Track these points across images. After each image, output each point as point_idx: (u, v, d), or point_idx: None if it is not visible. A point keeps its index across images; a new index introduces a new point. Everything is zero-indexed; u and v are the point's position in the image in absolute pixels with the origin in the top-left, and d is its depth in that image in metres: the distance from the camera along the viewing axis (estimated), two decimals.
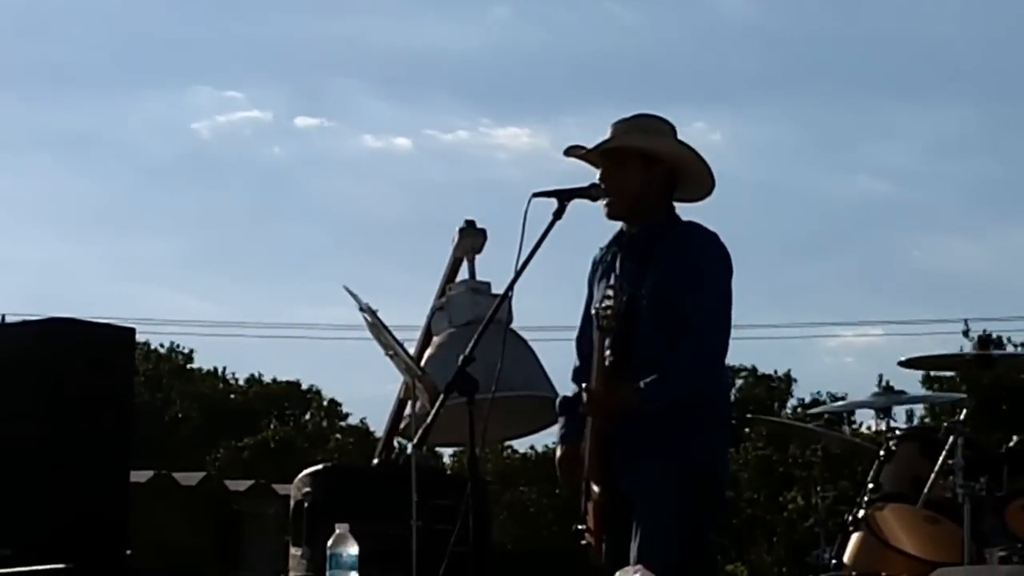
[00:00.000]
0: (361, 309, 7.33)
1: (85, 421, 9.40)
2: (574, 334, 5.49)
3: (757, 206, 52.34)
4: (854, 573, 6.69)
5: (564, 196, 5.08)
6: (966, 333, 32.25)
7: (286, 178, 60.56)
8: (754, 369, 40.79)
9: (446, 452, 33.00)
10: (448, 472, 25.58)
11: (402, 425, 8.90)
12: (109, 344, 9.89)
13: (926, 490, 6.38)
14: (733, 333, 5.22)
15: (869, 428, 25.86)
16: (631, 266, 5.25)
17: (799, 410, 36.46)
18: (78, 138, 61.05)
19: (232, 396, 47.73)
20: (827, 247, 56.43)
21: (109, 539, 9.50)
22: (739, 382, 39.67)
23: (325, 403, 48.12)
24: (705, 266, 5.16)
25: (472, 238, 8.86)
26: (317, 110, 71.73)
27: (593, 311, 5.25)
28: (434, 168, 60.45)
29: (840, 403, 8.20)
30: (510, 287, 5.12)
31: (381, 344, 7.45)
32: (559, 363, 5.88)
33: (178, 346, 47.79)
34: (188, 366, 47.94)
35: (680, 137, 5.39)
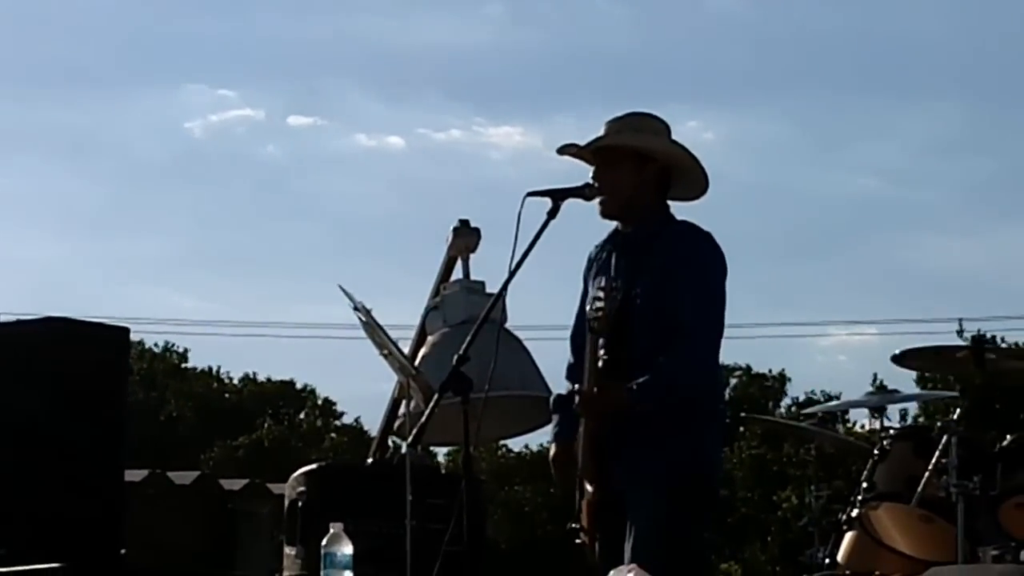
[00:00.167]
0: (355, 308, 7.33)
1: (79, 420, 9.38)
2: (568, 333, 5.49)
3: (751, 205, 52.41)
4: (848, 572, 6.71)
5: (558, 195, 5.08)
6: (960, 333, 32.27)
7: (280, 177, 60.62)
8: (748, 368, 40.81)
9: (441, 451, 33.05)
10: (442, 471, 25.57)
11: (396, 424, 8.90)
12: (103, 343, 9.87)
13: (920, 489, 6.38)
14: (727, 332, 5.23)
15: (863, 427, 25.91)
16: (625, 265, 5.25)
17: (793, 409, 36.48)
18: (71, 137, 61.11)
19: (226, 395, 47.71)
20: (821, 246, 56.53)
21: (103, 538, 9.48)
22: (733, 381, 39.69)
23: (319, 402, 48.12)
24: (698, 266, 5.16)
25: (466, 237, 8.86)
26: (310, 109, 71.82)
27: (586, 313, 5.26)
28: (427, 167, 60.50)
29: (834, 403, 8.19)
30: (504, 286, 5.12)
31: (375, 343, 7.45)
32: (553, 362, 5.90)
33: (172, 345, 47.89)
34: (183, 365, 47.95)
35: (673, 136, 5.40)
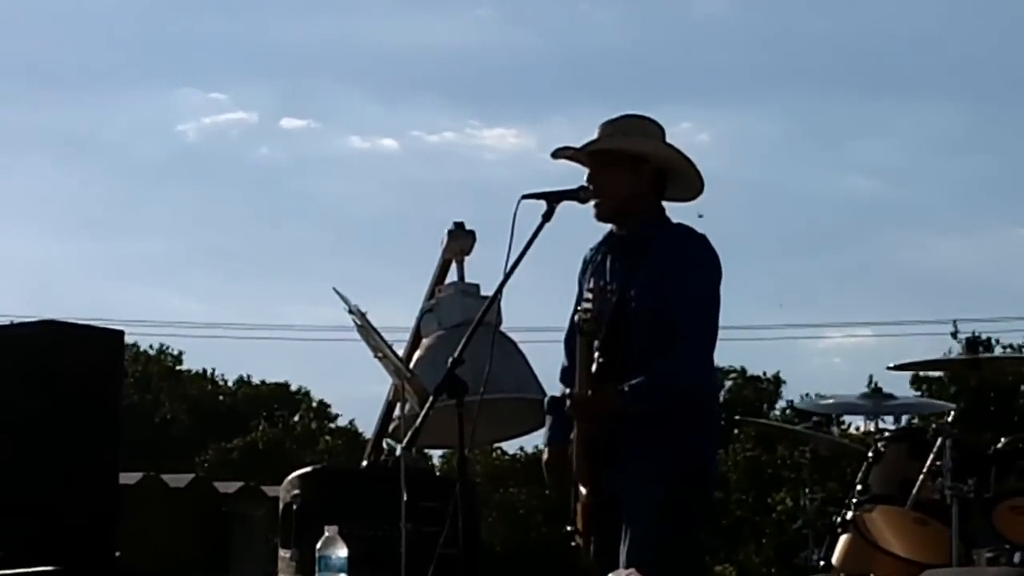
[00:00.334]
0: (350, 311, 7.33)
1: (74, 423, 9.39)
2: (563, 335, 5.50)
3: (745, 206, 52.35)
4: (842, 574, 6.70)
5: (553, 198, 5.08)
6: (955, 334, 32.27)
7: (274, 179, 60.58)
8: (743, 370, 40.79)
9: (435, 454, 33.04)
10: (437, 474, 25.56)
11: (391, 427, 8.90)
12: (98, 346, 9.89)
13: (914, 492, 6.39)
14: (722, 334, 5.24)
15: (858, 429, 25.88)
16: (620, 267, 5.26)
17: (788, 412, 36.49)
18: (64, 139, 61.08)
19: (221, 398, 47.67)
20: (815, 247, 56.50)
21: (98, 541, 9.49)
22: (728, 383, 39.68)
23: (314, 404, 48.07)
24: (693, 269, 5.17)
25: (461, 240, 8.86)
26: (303, 111, 71.58)
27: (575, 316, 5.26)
28: (421, 169, 60.44)
29: (828, 401, 8.18)
30: (499, 289, 5.13)
31: (370, 346, 7.45)
32: (548, 364, 5.89)
33: (167, 348, 47.81)
34: (177, 368, 47.91)
35: (668, 137, 5.40)
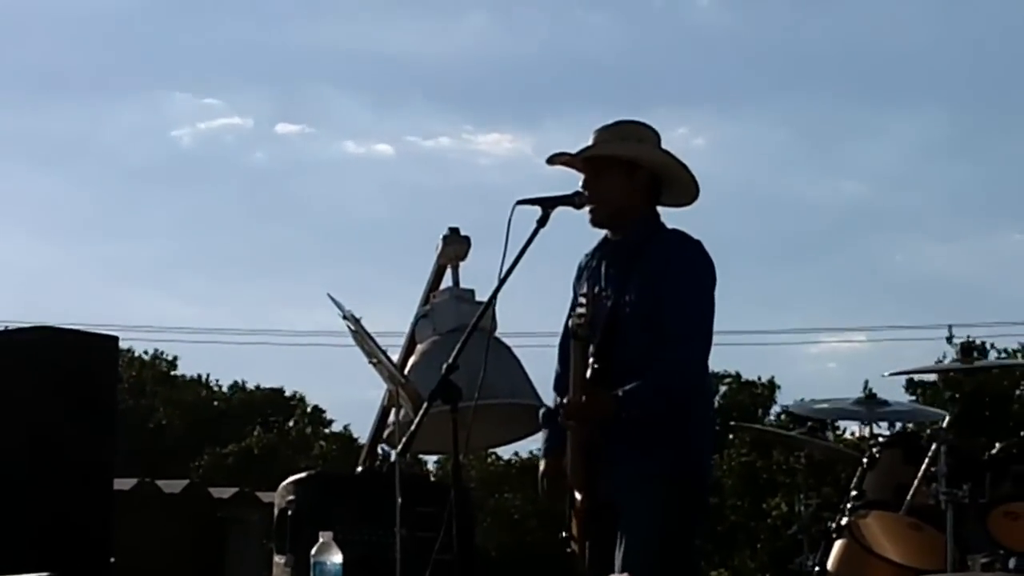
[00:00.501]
0: (344, 317, 7.32)
1: (68, 429, 9.38)
2: (557, 341, 5.50)
3: (739, 211, 52.38)
4: None
5: (548, 204, 5.08)
6: (950, 339, 32.24)
7: (268, 184, 60.54)
8: (738, 375, 40.82)
9: (430, 459, 33.04)
10: (432, 479, 25.57)
11: (386, 433, 8.88)
12: (92, 352, 9.87)
13: (909, 497, 6.38)
14: (716, 339, 5.24)
15: (853, 434, 25.91)
16: (615, 273, 5.26)
17: (782, 417, 36.50)
18: (59, 144, 60.96)
19: (216, 403, 47.65)
20: (810, 252, 56.56)
21: (93, 547, 9.47)
22: (723, 388, 39.69)
23: (309, 410, 48.04)
24: (687, 274, 5.17)
25: (456, 245, 8.85)
26: (298, 117, 71.77)
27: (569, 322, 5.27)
28: (416, 174, 60.46)
29: (823, 406, 8.17)
30: (494, 295, 5.13)
31: (364, 352, 7.44)
32: (543, 370, 5.90)
33: (162, 353, 47.79)
34: (172, 373, 47.89)
35: (663, 142, 5.41)
